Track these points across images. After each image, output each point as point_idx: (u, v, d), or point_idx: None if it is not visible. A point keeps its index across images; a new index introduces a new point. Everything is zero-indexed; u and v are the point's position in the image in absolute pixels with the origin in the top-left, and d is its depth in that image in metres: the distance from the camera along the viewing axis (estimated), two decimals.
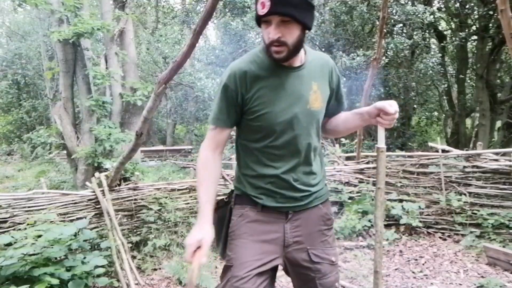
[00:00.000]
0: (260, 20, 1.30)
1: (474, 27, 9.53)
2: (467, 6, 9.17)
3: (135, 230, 3.77)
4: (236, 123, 1.44)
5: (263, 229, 1.43)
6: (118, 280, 3.18)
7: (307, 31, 1.33)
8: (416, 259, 3.79)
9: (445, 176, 4.35)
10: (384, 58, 7.52)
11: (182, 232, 3.89)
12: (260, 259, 1.39)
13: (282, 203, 1.44)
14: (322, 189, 1.53)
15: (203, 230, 1.33)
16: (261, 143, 1.41)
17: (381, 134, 1.44)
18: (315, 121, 1.44)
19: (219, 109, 1.40)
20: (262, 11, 1.24)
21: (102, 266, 2.88)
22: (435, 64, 8.28)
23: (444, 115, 11.95)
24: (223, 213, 1.51)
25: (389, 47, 7.67)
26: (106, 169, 4.45)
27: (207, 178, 1.40)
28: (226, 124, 1.41)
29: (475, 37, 9.68)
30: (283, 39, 1.26)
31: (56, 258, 2.87)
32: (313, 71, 1.42)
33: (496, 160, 4.13)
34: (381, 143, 1.45)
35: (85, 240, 3.03)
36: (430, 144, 4.75)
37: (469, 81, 10.99)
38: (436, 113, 11.59)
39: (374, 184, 4.56)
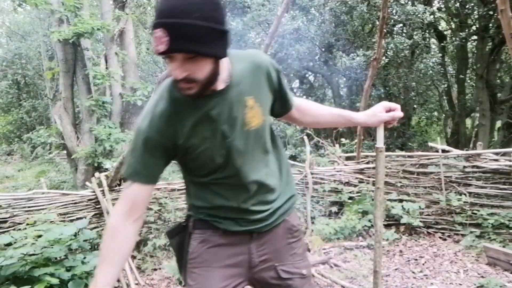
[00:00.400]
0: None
1: (474, 27, 9.53)
2: (467, 6, 9.17)
3: None
4: (161, 174, 1.24)
5: (227, 253, 1.31)
6: (118, 280, 3.18)
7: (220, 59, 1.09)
8: (416, 259, 3.79)
9: (445, 176, 4.35)
10: (384, 58, 7.52)
11: None
12: (225, 286, 1.29)
13: (245, 226, 1.30)
14: (287, 202, 1.39)
15: None
16: (208, 178, 1.26)
17: (380, 134, 1.43)
18: (259, 139, 1.26)
19: (138, 161, 1.16)
20: (160, 49, 0.98)
21: None
22: (435, 64, 8.28)
23: (444, 115, 11.95)
24: (181, 238, 1.36)
25: (389, 47, 7.67)
26: (106, 169, 4.45)
27: (112, 254, 1.14)
28: (148, 179, 1.19)
29: (475, 37, 9.67)
30: (191, 76, 1.03)
31: (56, 258, 2.87)
32: (244, 85, 1.19)
33: (496, 160, 4.13)
34: (380, 143, 1.45)
35: (85, 240, 3.03)
36: (430, 144, 4.75)
37: (469, 81, 10.99)
38: (436, 113, 11.58)
39: (374, 184, 4.55)
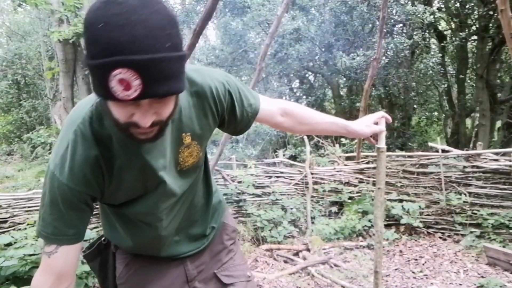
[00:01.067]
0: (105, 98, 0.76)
1: (474, 27, 9.53)
2: (467, 6, 9.17)
3: None
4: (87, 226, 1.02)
5: (158, 273, 1.15)
6: None
7: None
8: (416, 259, 3.79)
9: (445, 176, 4.35)
10: (384, 58, 7.52)
11: None
12: None
13: (177, 253, 1.17)
14: (217, 212, 1.26)
15: None
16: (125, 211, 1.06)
17: (382, 135, 1.43)
18: (192, 174, 1.09)
19: (60, 219, 0.91)
20: (129, 95, 0.70)
21: None
22: (435, 64, 8.28)
23: (444, 115, 11.94)
24: (105, 257, 1.19)
25: (389, 47, 7.67)
26: None
27: None
28: (76, 238, 0.96)
29: (475, 37, 9.67)
30: (158, 119, 0.79)
31: None
32: (182, 120, 0.98)
33: (496, 160, 4.13)
34: (381, 143, 1.45)
35: (85, 240, 3.02)
36: (430, 144, 4.75)
37: (469, 81, 10.99)
38: (436, 113, 11.59)
39: (374, 184, 4.56)
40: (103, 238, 1.20)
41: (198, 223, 1.19)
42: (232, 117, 1.09)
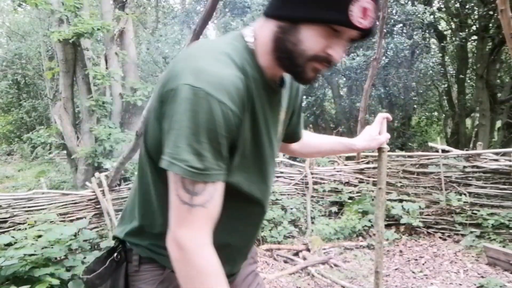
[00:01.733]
0: (322, 21, 0.76)
1: (474, 27, 9.53)
2: (467, 6, 9.17)
3: None
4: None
5: None
6: None
7: None
8: (416, 259, 3.79)
9: (445, 176, 4.35)
10: (384, 58, 7.52)
11: None
12: None
13: (237, 269, 1.04)
14: None
15: None
16: (236, 198, 0.88)
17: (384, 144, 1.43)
18: (275, 157, 1.03)
19: (213, 149, 0.75)
20: (364, 24, 0.75)
21: None
22: (435, 64, 8.28)
23: (444, 115, 11.95)
24: (115, 279, 0.95)
25: (389, 47, 7.67)
26: (106, 169, 4.45)
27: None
28: (224, 173, 0.79)
29: (475, 37, 9.68)
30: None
31: (56, 258, 2.87)
32: (286, 93, 0.99)
33: (496, 160, 4.14)
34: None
35: (85, 240, 3.03)
36: (430, 144, 4.75)
37: (469, 81, 10.99)
38: (436, 113, 11.59)
39: (374, 184, 4.56)
40: (115, 254, 0.96)
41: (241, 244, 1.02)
42: (298, 111, 1.13)
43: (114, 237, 1.00)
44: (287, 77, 0.94)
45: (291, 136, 1.19)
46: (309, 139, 1.29)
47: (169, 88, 0.75)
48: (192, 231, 0.76)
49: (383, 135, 1.33)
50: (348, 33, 0.78)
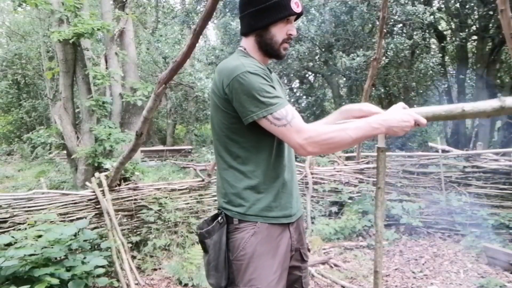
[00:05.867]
0: (281, 18, 1.34)
1: (474, 27, 9.53)
2: (467, 6, 9.17)
3: (135, 230, 3.77)
4: None
5: (277, 242, 1.35)
6: (118, 280, 3.18)
7: None
8: (416, 259, 3.79)
9: (445, 176, 4.35)
10: (384, 58, 7.52)
11: (182, 232, 3.89)
12: (282, 275, 1.34)
13: (290, 212, 1.39)
14: (298, 196, 1.55)
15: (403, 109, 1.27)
16: (272, 142, 1.34)
17: (382, 134, 1.43)
18: None
19: (271, 90, 1.25)
20: (298, 10, 1.34)
21: (102, 266, 2.88)
22: (435, 64, 8.28)
23: None
24: (218, 236, 1.34)
25: (389, 47, 7.67)
26: (106, 169, 4.44)
27: (342, 124, 1.26)
28: (286, 100, 1.31)
29: (475, 37, 9.68)
30: (294, 36, 1.40)
31: (56, 258, 2.87)
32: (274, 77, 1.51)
33: (496, 160, 4.14)
34: (381, 143, 1.44)
35: (85, 240, 3.03)
36: (430, 144, 4.75)
37: (469, 81, 10.99)
38: None
39: (374, 184, 4.56)
40: (219, 218, 1.35)
41: (295, 183, 1.46)
42: None
43: (219, 207, 1.40)
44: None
45: None
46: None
47: (228, 81, 1.26)
48: (301, 134, 1.20)
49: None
50: (293, 18, 1.38)
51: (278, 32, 1.35)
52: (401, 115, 1.21)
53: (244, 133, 1.30)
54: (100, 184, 3.58)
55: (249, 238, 1.31)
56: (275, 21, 1.33)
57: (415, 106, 10.28)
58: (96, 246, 3.28)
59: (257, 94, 1.21)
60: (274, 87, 1.26)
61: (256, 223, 1.32)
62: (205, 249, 1.38)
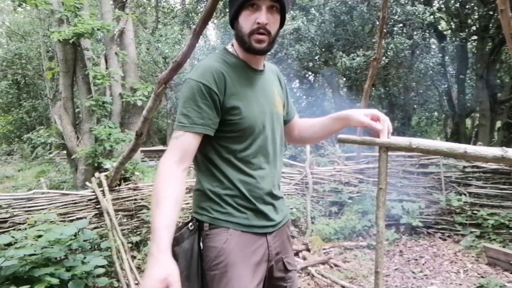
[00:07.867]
0: (242, 6, 1.19)
1: (474, 27, 9.53)
2: (467, 6, 9.17)
3: (135, 230, 3.77)
4: (213, 126, 1.21)
5: (251, 249, 1.26)
6: (118, 280, 3.18)
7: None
8: (416, 259, 3.79)
9: (445, 176, 4.35)
10: (384, 58, 7.52)
11: None
12: (257, 284, 1.26)
13: (266, 221, 1.31)
14: (284, 203, 1.45)
15: (166, 265, 1.03)
16: (240, 150, 1.25)
17: (384, 131, 1.42)
18: (280, 124, 1.38)
19: (192, 110, 1.18)
20: None
21: (102, 266, 2.88)
22: (435, 64, 8.28)
23: (444, 115, 11.95)
24: (189, 244, 1.25)
25: (389, 47, 7.66)
26: (106, 169, 4.44)
27: (168, 198, 1.10)
28: (206, 128, 1.19)
29: (475, 37, 9.68)
30: (268, 27, 1.20)
31: (56, 258, 2.87)
32: (271, 76, 1.40)
33: None
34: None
35: (85, 240, 3.03)
36: None
37: (469, 81, 10.99)
38: (436, 113, 11.59)
39: (374, 184, 4.56)
40: (189, 224, 1.28)
41: (278, 188, 1.38)
42: (286, 99, 1.48)
43: (191, 216, 1.34)
44: (266, 66, 1.39)
45: (289, 112, 1.52)
46: (305, 121, 1.54)
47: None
48: (164, 156, 1.19)
49: (384, 123, 1.33)
50: (262, 3, 1.19)
51: (245, 22, 1.21)
52: (151, 273, 1.02)
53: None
54: (100, 184, 3.58)
55: (221, 246, 1.23)
56: (238, 10, 1.21)
57: (415, 106, 10.31)
58: (96, 246, 3.28)
59: (182, 104, 1.21)
60: (201, 106, 1.18)
61: (228, 229, 1.24)
62: (175, 258, 1.21)
